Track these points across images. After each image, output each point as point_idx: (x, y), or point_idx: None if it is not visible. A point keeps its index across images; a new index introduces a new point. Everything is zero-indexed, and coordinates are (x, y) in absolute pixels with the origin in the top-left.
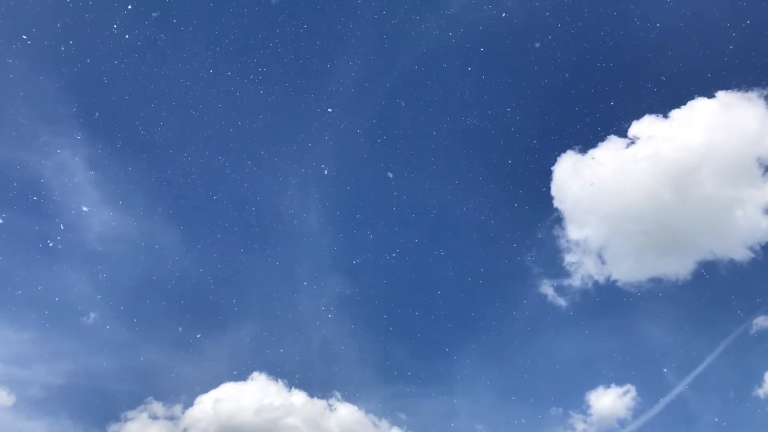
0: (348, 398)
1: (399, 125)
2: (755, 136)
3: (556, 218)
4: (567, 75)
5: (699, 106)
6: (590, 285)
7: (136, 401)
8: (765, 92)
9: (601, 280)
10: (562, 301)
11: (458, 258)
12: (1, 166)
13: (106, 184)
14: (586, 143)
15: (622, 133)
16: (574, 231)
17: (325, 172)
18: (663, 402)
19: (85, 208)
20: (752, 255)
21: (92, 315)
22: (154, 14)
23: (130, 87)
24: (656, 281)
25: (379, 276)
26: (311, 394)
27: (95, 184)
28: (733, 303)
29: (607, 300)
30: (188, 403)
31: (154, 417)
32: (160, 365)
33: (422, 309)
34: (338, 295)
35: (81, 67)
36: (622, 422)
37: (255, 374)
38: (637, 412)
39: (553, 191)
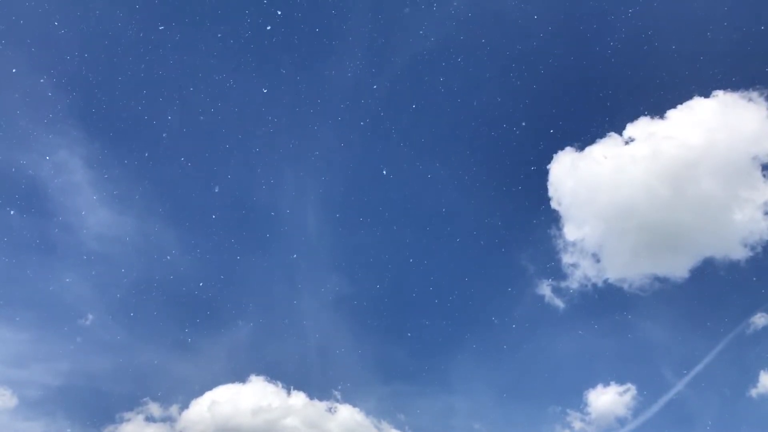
0: (348, 399)
1: (396, 124)
2: (753, 136)
3: (553, 218)
4: (564, 73)
5: (697, 105)
6: (588, 285)
7: (132, 402)
8: (764, 92)
9: (599, 279)
10: (559, 302)
11: (456, 258)
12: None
13: (104, 184)
14: (584, 141)
15: (621, 131)
16: (571, 230)
17: (323, 172)
18: (662, 401)
19: (82, 209)
20: (750, 254)
21: (90, 316)
22: (152, 14)
23: (129, 86)
24: (654, 280)
25: (377, 276)
26: (311, 396)
27: (93, 184)
28: (731, 302)
29: (605, 299)
30: (185, 405)
31: (150, 418)
32: (157, 366)
33: (420, 309)
34: (336, 295)
35: (80, 66)
36: (621, 421)
37: (253, 377)
38: (636, 411)
39: (551, 191)
